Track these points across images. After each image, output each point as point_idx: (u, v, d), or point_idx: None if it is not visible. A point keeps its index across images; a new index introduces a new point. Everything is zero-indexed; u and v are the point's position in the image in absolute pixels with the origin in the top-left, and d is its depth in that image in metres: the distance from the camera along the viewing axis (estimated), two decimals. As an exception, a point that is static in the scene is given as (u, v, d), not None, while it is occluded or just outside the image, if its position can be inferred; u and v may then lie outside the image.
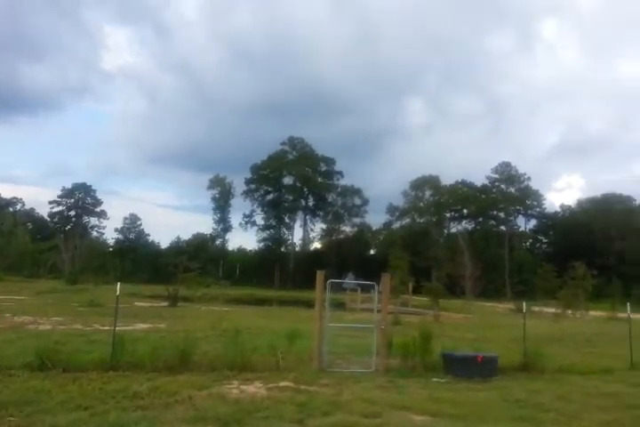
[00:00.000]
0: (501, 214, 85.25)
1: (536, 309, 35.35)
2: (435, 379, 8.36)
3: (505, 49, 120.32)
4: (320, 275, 8.97)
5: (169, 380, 7.25)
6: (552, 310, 34.36)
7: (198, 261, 79.57)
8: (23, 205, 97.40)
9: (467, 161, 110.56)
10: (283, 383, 7.36)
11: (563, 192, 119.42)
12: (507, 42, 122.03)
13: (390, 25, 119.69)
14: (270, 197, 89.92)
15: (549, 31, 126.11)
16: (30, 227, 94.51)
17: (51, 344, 8.36)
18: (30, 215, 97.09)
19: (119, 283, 9.14)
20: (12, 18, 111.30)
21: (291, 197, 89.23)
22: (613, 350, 13.72)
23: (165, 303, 25.25)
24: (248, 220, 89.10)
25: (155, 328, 13.89)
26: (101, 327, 13.55)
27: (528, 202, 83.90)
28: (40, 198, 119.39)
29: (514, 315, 33.51)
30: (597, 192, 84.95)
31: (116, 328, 13.63)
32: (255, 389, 7.01)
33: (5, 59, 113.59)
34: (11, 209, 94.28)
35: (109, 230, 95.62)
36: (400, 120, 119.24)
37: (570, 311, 30.96)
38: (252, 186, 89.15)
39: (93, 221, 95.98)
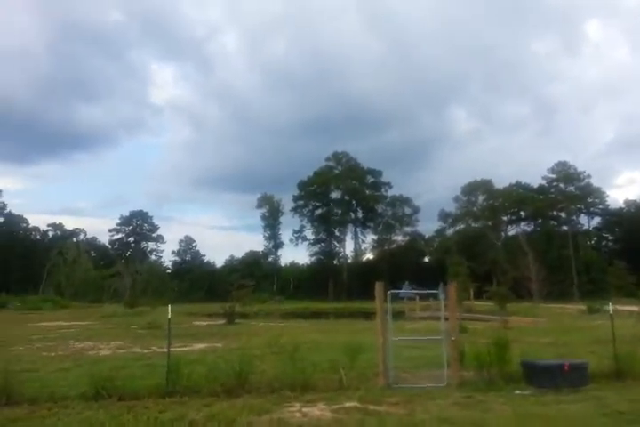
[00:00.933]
0: (562, 214, 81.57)
1: (610, 308, 33.08)
2: (517, 391, 7.50)
3: (550, 50, 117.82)
4: (379, 286, 8.35)
5: (227, 405, 6.77)
6: (630, 308, 31.97)
7: (252, 278, 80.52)
8: (85, 234, 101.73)
9: (519, 164, 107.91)
10: (348, 404, 6.74)
11: (624, 188, 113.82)
12: (552, 43, 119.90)
13: (428, 35, 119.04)
14: (319, 211, 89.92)
15: (594, 31, 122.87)
16: (93, 255, 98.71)
17: (106, 371, 8.08)
18: (92, 244, 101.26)
19: (170, 305, 8.80)
20: (69, 63, 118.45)
21: (339, 211, 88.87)
22: None
23: (222, 321, 25.12)
24: (298, 235, 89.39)
25: (211, 348, 13.57)
26: (159, 350, 13.34)
27: (590, 200, 79.94)
28: (101, 228, 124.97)
29: (586, 316, 31.41)
30: None
31: (172, 350, 13.49)
32: (319, 411, 6.42)
33: (64, 101, 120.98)
34: (74, 239, 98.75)
35: (167, 254, 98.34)
36: (445, 129, 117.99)
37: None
38: (301, 202, 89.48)
39: (151, 245, 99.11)
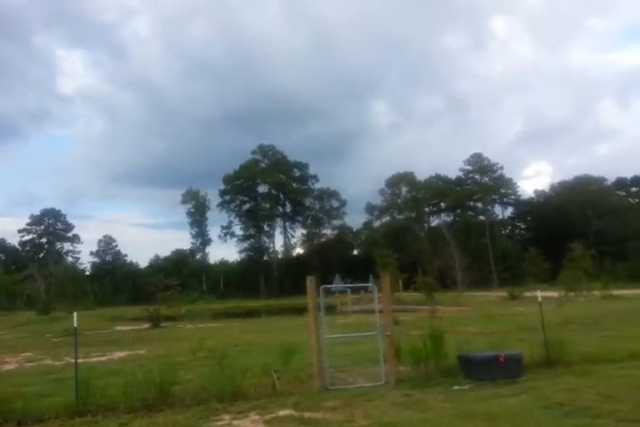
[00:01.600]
0: (479, 205, 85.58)
1: (528, 294, 34.84)
2: (455, 387, 7.33)
3: (460, 45, 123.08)
4: (310, 281, 7.88)
5: (146, 423, 6.05)
6: (547, 294, 33.86)
7: (179, 278, 77.84)
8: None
9: (437, 157, 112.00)
10: (283, 412, 6.23)
11: (532, 180, 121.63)
12: (461, 39, 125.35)
13: (344, 28, 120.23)
14: (247, 206, 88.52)
15: (500, 27, 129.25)
16: (2, 258, 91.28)
17: (2, 391, 7.05)
18: (1, 246, 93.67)
19: (75, 312, 7.87)
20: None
21: (267, 205, 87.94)
22: (628, 331, 12.92)
23: (147, 325, 23.77)
24: (227, 231, 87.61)
25: (134, 356, 12.58)
26: (73, 360, 12.17)
27: (502, 190, 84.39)
28: (10, 228, 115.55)
29: (507, 302, 32.91)
30: (565, 177, 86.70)
31: (89, 360, 12.37)
32: (251, 423, 5.87)
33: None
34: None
35: (85, 255, 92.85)
36: (366, 121, 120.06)
37: (572, 294, 30.33)
38: (227, 197, 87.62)
39: (67, 246, 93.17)
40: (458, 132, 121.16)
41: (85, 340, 18.20)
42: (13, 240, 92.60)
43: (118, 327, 25.73)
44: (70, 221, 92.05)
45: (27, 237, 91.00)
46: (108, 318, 37.20)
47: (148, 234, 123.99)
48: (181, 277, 78.89)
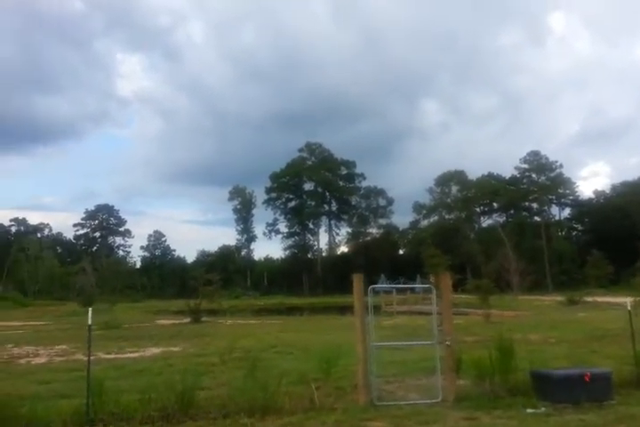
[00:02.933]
0: (534, 205, 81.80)
1: (589, 299, 32.49)
2: (529, 410, 6.09)
3: (516, 42, 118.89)
4: (358, 279, 6.81)
5: (160, 438, 5.18)
6: (612, 299, 31.40)
7: (225, 273, 78.38)
8: (51, 229, 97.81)
9: (489, 156, 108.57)
10: (322, 433, 5.22)
11: (589, 180, 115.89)
12: (517, 35, 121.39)
13: (395, 26, 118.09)
14: (292, 204, 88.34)
15: (558, 23, 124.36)
16: (59, 251, 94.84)
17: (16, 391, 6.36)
18: (58, 240, 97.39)
19: (90, 309, 7.10)
20: (32, 54, 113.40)
21: (313, 203, 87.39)
22: None
23: (188, 320, 23.34)
24: (272, 228, 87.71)
25: (167, 353, 11.89)
26: (105, 356, 11.62)
27: (560, 190, 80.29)
28: (68, 223, 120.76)
29: (566, 308, 30.71)
30: (625, 178, 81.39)
31: (123, 355, 11.78)
32: (282, 447, 4.89)
33: (26, 93, 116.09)
34: (39, 235, 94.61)
35: (136, 249, 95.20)
36: (416, 120, 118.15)
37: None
38: (273, 194, 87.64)
39: (119, 240, 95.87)
40: (511, 132, 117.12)
41: (124, 334, 17.87)
42: (69, 234, 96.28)
43: (160, 321, 25.50)
44: (123, 217, 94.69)
45: (81, 232, 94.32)
46: (154, 311, 37.45)
47: (196, 230, 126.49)
48: (227, 272, 79.78)
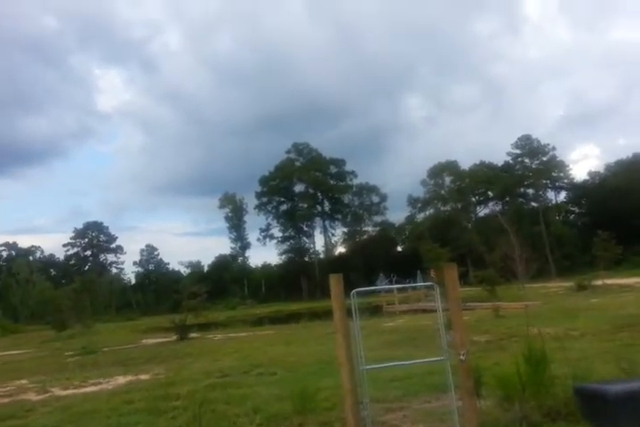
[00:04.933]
0: (530, 191, 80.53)
1: (599, 282, 30.97)
2: (580, 443, 4.47)
3: (493, 30, 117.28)
4: (336, 281, 5.15)
5: None
6: (621, 281, 29.94)
7: (221, 283, 76.52)
8: (42, 252, 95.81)
9: (477, 146, 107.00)
10: None
11: (580, 163, 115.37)
12: (493, 23, 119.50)
13: (368, 20, 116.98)
14: (284, 207, 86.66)
15: (533, 10, 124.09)
16: (54, 273, 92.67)
17: None
18: (51, 262, 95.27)
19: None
20: (5, 73, 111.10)
21: (305, 205, 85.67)
22: None
23: (175, 337, 21.60)
24: (265, 234, 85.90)
25: (132, 383, 10.18)
26: (60, 392, 9.90)
27: (554, 174, 79.06)
28: (59, 244, 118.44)
29: (576, 293, 29.16)
30: (616, 158, 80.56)
31: (81, 390, 10.05)
32: None
33: (4, 114, 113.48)
34: (30, 258, 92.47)
35: (129, 265, 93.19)
36: (400, 116, 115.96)
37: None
38: (264, 199, 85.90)
39: (110, 257, 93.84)
40: (497, 120, 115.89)
41: (100, 359, 16.14)
42: (62, 255, 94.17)
43: (147, 340, 23.79)
44: (113, 233, 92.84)
45: (71, 251, 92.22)
46: (144, 329, 35.69)
47: (190, 242, 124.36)
48: (223, 282, 77.94)
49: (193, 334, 22.73)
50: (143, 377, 10.83)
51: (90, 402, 8.33)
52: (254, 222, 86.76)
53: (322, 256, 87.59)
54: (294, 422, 5.79)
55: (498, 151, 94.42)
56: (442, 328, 5.36)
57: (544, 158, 76.90)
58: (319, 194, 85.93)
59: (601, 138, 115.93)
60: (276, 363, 10.67)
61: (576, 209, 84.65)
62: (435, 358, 5.34)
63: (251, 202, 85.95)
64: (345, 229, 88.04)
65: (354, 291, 5.22)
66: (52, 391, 10.10)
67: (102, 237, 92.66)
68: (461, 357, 5.10)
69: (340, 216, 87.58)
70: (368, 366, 5.10)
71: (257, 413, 6.32)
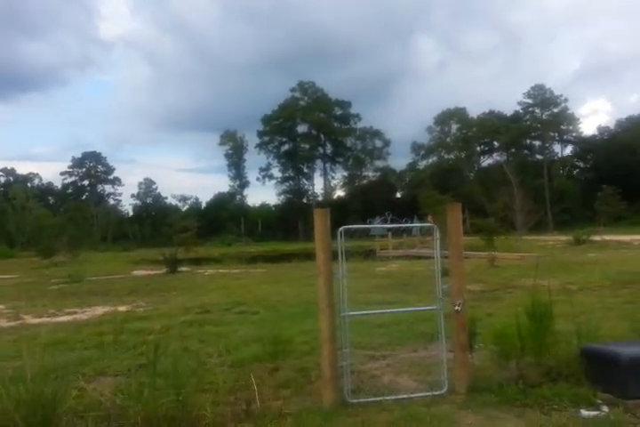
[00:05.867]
0: (536, 143, 78.75)
1: (597, 238, 30.59)
2: (583, 411, 3.96)
3: None
4: (320, 216, 4.47)
5: None
6: (621, 238, 29.54)
7: (219, 220, 76.49)
8: (41, 179, 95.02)
9: (488, 96, 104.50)
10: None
11: (589, 118, 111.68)
12: None
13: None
14: (286, 147, 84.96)
15: None
16: (52, 201, 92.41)
17: None
18: (49, 190, 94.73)
19: None
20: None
21: (307, 146, 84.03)
22: None
23: (165, 270, 21.34)
24: (265, 173, 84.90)
25: (109, 314, 9.78)
26: (33, 320, 9.53)
27: (563, 127, 76.99)
28: (58, 173, 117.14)
29: (573, 247, 28.83)
30: (626, 115, 77.93)
31: (55, 319, 9.69)
32: None
33: (5, 37, 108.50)
34: (29, 185, 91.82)
35: (127, 198, 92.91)
36: (412, 59, 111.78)
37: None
38: (266, 138, 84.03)
39: (108, 189, 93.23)
40: (511, 70, 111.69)
41: (83, 288, 15.87)
42: (59, 184, 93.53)
43: (137, 272, 23.59)
44: (111, 164, 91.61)
45: (69, 180, 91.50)
46: (138, 260, 35.62)
47: (190, 178, 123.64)
48: (220, 219, 77.94)
49: (184, 268, 22.51)
50: (122, 309, 10.45)
51: (59, 332, 7.91)
52: (254, 161, 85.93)
53: (320, 199, 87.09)
54: (268, 366, 5.31)
55: (508, 101, 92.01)
56: (438, 275, 4.73)
57: (555, 110, 74.62)
58: (322, 135, 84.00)
59: (614, 93, 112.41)
60: (261, 301, 10.27)
61: (581, 164, 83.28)
62: (427, 307, 4.76)
63: (252, 141, 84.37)
64: (345, 173, 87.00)
65: (341, 228, 4.55)
66: (24, 319, 9.73)
67: (100, 168, 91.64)
68: (457, 307, 4.52)
69: (341, 159, 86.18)
70: (350, 313, 4.51)
71: (230, 353, 5.86)
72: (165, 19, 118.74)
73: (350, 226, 4.66)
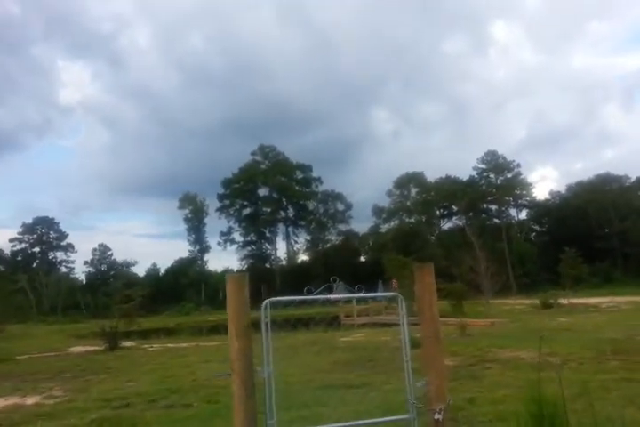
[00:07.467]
0: (492, 207, 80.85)
1: (565, 302, 30.02)
2: None
3: (460, 51, 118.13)
4: (234, 283, 3.32)
5: None
6: (585, 300, 29.03)
7: (178, 288, 73.15)
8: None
9: (442, 162, 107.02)
10: None
11: (538, 184, 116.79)
12: (460, 44, 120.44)
13: (343, 33, 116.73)
14: (247, 211, 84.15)
15: (500, 32, 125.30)
16: (2, 269, 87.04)
17: None
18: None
19: None
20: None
21: (269, 210, 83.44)
22: None
23: (105, 346, 19.06)
24: (226, 238, 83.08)
25: (9, 410, 7.94)
26: None
27: (517, 191, 79.78)
28: (7, 240, 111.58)
29: (541, 312, 28.06)
30: (573, 181, 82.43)
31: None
32: None
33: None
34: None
35: (80, 266, 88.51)
36: (368, 128, 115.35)
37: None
38: (227, 201, 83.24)
39: (60, 255, 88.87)
40: (462, 138, 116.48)
41: (6, 370, 13.69)
42: (8, 251, 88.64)
43: (75, 348, 21.21)
44: (64, 230, 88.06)
45: (19, 247, 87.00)
46: (83, 333, 32.73)
47: (149, 243, 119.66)
48: (179, 286, 74.60)
49: (129, 343, 20.30)
50: (29, 401, 8.61)
51: None
52: (215, 226, 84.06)
53: (284, 263, 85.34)
54: None
55: (462, 167, 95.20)
56: (408, 368, 3.52)
57: (509, 175, 77.41)
58: (283, 199, 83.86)
59: (559, 161, 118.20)
60: (200, 388, 8.64)
61: (537, 227, 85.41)
62: (395, 417, 3.50)
63: (213, 205, 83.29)
64: (308, 237, 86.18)
65: (266, 301, 3.39)
66: None
67: (52, 234, 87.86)
68: (437, 415, 3.28)
69: (303, 223, 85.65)
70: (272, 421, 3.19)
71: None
72: (125, 85, 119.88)
73: (277, 298, 3.56)
